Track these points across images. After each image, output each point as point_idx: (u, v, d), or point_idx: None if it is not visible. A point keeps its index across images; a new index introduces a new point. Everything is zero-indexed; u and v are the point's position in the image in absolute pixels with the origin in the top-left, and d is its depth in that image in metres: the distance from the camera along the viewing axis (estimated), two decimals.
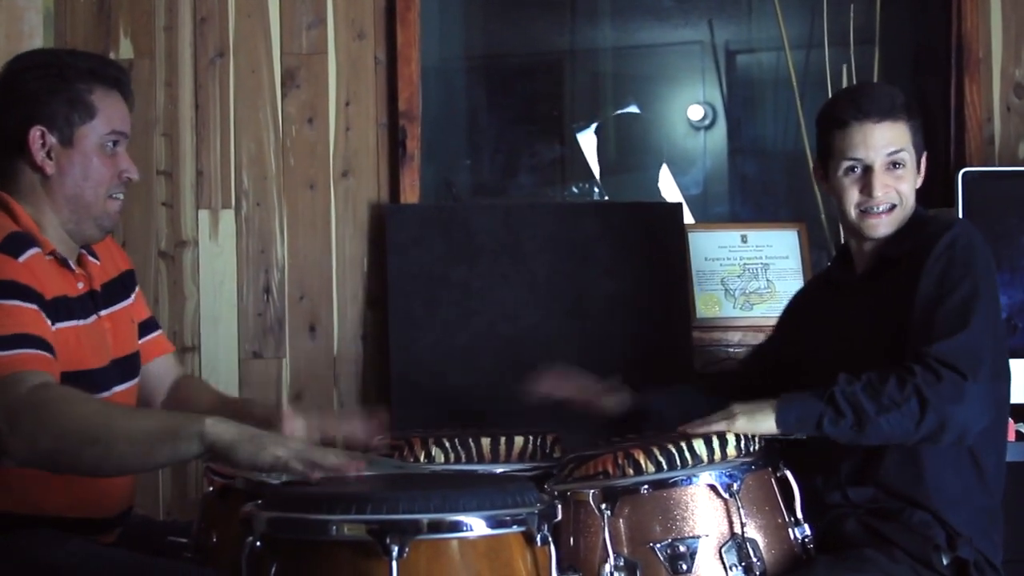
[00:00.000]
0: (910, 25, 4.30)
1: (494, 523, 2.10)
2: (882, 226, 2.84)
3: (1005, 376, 2.79)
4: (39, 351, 2.34)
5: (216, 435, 2.20)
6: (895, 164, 2.81)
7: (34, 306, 2.39)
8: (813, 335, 2.96)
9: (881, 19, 3.89)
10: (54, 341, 2.41)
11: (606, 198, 4.78)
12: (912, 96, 3.09)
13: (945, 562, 2.64)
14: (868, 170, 2.81)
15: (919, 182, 2.87)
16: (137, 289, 2.83)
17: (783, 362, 3.02)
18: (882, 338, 2.76)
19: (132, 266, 2.83)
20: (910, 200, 2.84)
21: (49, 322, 2.43)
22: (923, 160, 2.88)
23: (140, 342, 2.79)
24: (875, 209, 2.82)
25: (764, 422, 2.62)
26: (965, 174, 3.60)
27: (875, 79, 3.85)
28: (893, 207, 2.83)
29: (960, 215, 3.56)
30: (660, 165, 4.78)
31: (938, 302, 2.66)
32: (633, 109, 4.76)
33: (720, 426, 2.61)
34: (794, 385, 2.73)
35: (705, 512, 2.50)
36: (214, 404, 2.80)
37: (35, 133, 2.52)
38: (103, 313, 2.64)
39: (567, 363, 3.62)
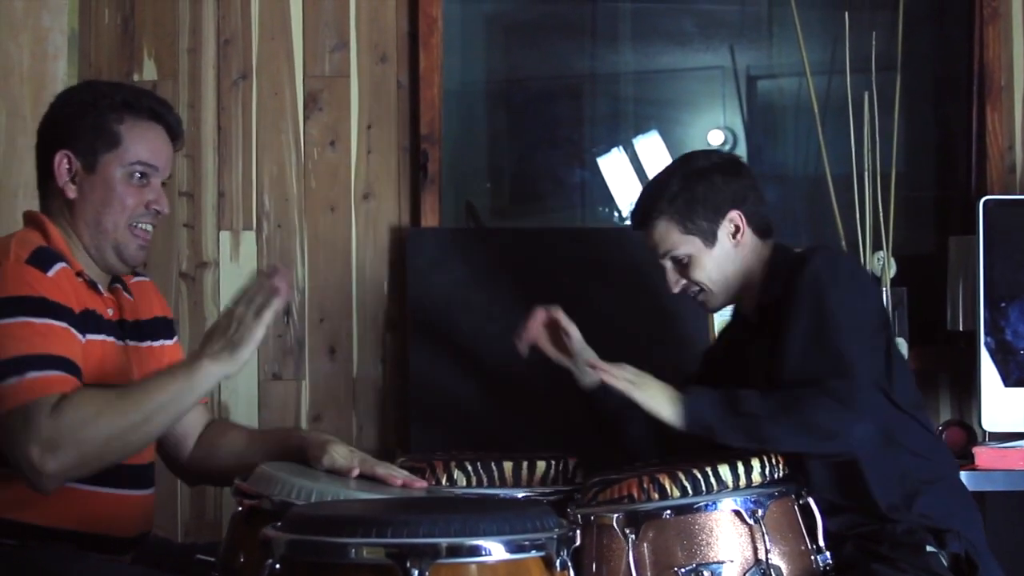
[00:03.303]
0: (932, 52, 4.30)
1: (513, 547, 2.10)
2: (708, 306, 2.94)
3: (900, 376, 2.83)
4: (67, 373, 2.36)
5: (214, 353, 2.42)
6: (675, 259, 2.87)
7: (64, 324, 2.42)
8: (729, 378, 2.93)
9: (903, 46, 3.88)
10: (82, 356, 2.43)
11: (626, 222, 4.77)
12: (935, 125, 3.06)
13: (945, 563, 2.66)
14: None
15: (736, 241, 2.86)
16: (176, 337, 2.84)
17: None
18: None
19: (171, 315, 2.85)
20: (717, 275, 2.86)
21: (79, 336, 2.45)
22: (730, 219, 2.85)
23: None
24: (692, 295, 2.91)
25: (661, 411, 2.68)
26: (986, 202, 3.60)
27: (896, 106, 3.84)
28: (702, 290, 2.89)
29: (981, 243, 3.55)
30: None
31: (815, 343, 2.69)
32: (653, 134, 4.75)
33: (622, 384, 2.70)
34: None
35: (729, 538, 2.50)
36: (246, 441, 2.83)
37: (60, 157, 2.58)
38: (130, 344, 2.66)
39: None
